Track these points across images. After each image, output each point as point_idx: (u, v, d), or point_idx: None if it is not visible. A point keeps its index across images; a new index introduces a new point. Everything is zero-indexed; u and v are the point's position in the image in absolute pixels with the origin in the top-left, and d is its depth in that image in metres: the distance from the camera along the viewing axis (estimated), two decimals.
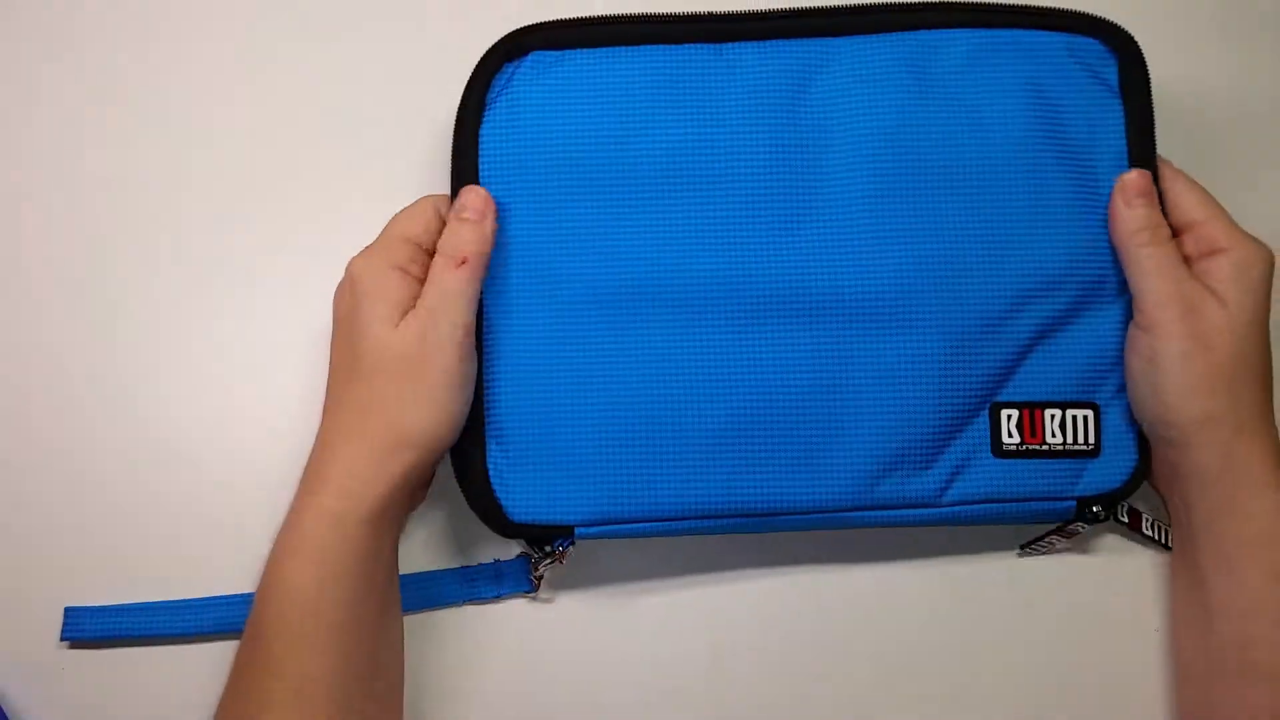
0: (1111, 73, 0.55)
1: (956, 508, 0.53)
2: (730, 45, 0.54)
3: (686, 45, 0.54)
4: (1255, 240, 0.53)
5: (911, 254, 0.53)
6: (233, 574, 0.56)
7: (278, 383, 0.58)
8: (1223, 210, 0.54)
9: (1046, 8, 0.55)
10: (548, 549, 0.53)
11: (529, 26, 0.54)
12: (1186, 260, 0.53)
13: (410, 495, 0.52)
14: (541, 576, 0.55)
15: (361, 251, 0.52)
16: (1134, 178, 0.53)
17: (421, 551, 0.57)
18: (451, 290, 0.51)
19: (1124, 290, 0.54)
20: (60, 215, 0.60)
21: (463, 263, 0.51)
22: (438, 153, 0.55)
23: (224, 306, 0.59)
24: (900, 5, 0.55)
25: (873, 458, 0.52)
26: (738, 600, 0.57)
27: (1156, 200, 0.53)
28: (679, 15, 0.54)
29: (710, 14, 0.54)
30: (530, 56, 0.53)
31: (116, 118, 0.61)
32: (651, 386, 0.52)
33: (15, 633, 0.56)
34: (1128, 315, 0.54)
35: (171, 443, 0.58)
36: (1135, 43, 0.55)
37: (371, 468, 0.49)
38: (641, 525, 0.52)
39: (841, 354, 0.53)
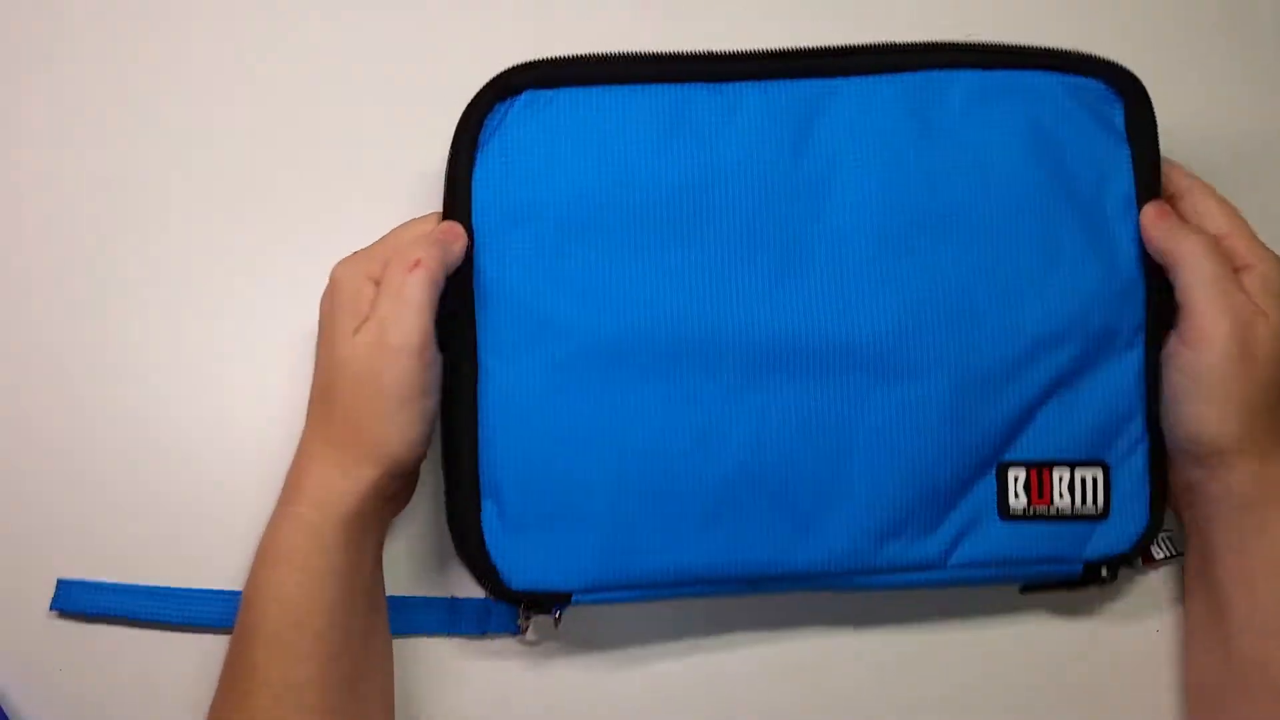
0: (1118, 115, 0.53)
1: (960, 570, 0.52)
2: (730, 85, 0.52)
3: (685, 84, 0.51)
4: (1275, 254, 0.51)
5: (915, 303, 0.51)
6: (230, 573, 0.56)
7: (277, 382, 0.57)
8: (1244, 221, 0.52)
9: (1051, 49, 0.53)
10: (544, 614, 0.52)
11: (521, 65, 0.51)
12: None
13: (389, 501, 0.51)
14: (530, 620, 0.54)
15: (348, 256, 0.51)
16: (1153, 206, 0.52)
17: (408, 561, 0.57)
18: (403, 297, 0.48)
19: (1136, 339, 0.52)
20: (60, 214, 0.60)
21: (415, 265, 0.49)
22: (439, 151, 0.54)
23: (224, 305, 0.59)
24: (904, 46, 0.53)
25: (877, 520, 0.51)
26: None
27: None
28: (677, 54, 0.52)
29: (709, 53, 0.52)
30: (523, 96, 0.51)
31: (116, 117, 0.60)
32: (649, 446, 0.50)
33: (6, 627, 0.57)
34: (1140, 367, 0.52)
35: (170, 441, 0.58)
36: (1141, 84, 0.53)
37: (342, 479, 0.48)
38: (639, 592, 0.51)
39: (845, 409, 0.51)
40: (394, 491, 0.51)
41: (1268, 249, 0.52)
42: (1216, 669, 0.52)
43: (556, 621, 0.52)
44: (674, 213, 0.51)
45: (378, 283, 0.50)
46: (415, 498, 0.55)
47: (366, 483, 0.49)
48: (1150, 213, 0.52)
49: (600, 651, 0.56)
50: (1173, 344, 0.51)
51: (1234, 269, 0.51)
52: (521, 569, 0.50)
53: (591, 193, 0.51)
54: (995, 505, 0.52)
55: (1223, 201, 0.53)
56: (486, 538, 0.50)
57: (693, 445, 0.50)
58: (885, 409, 0.51)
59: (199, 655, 0.55)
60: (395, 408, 0.48)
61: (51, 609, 0.56)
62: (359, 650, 0.49)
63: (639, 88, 0.51)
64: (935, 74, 0.52)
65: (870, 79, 0.52)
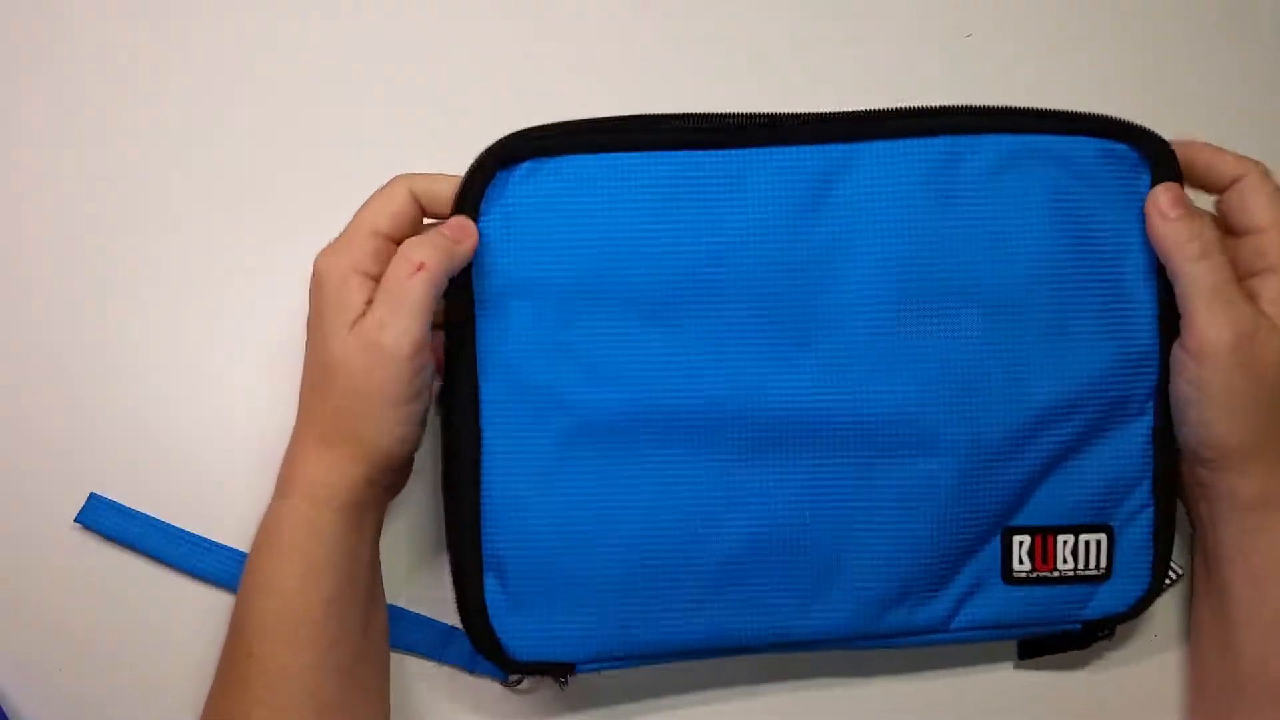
0: (1144, 182, 0.51)
1: (962, 633, 0.52)
2: (738, 151, 0.50)
3: (694, 151, 0.50)
4: None
5: (926, 379, 0.50)
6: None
7: (276, 382, 0.57)
8: None
9: (1077, 113, 0.51)
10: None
11: (524, 131, 0.50)
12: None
13: (385, 489, 0.51)
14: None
15: (328, 246, 0.50)
16: (1164, 190, 0.50)
17: (409, 569, 0.57)
18: (403, 300, 0.48)
19: (1146, 405, 0.52)
20: (60, 214, 0.59)
21: (419, 268, 0.48)
22: (439, 151, 0.53)
23: (224, 305, 0.59)
24: (926, 110, 0.51)
25: (881, 588, 0.51)
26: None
27: (1195, 211, 0.50)
28: (686, 117, 0.50)
29: (717, 115, 0.50)
30: (526, 164, 0.50)
31: (116, 117, 0.60)
32: (654, 519, 0.50)
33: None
34: (1149, 433, 0.52)
35: (170, 441, 0.58)
36: (1171, 151, 0.51)
37: (334, 474, 0.49)
38: (643, 660, 0.52)
39: (850, 484, 0.51)
40: (389, 481, 0.51)
41: None
42: (1219, 668, 0.53)
43: (562, 685, 0.52)
44: (679, 286, 0.50)
45: (365, 274, 0.49)
46: (420, 508, 0.55)
47: (358, 477, 0.49)
48: (1156, 204, 0.50)
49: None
50: (1177, 352, 0.51)
51: (1256, 271, 0.50)
52: (525, 642, 0.51)
53: (594, 265, 0.50)
54: (999, 569, 0.52)
55: (1275, 192, 0.50)
56: (490, 613, 0.50)
57: (697, 522, 0.50)
58: (891, 483, 0.50)
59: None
60: (384, 410, 0.48)
61: (76, 521, 0.57)
62: (356, 640, 0.49)
63: (643, 156, 0.50)
64: (958, 139, 0.50)
65: (892, 143, 0.50)
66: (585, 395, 0.50)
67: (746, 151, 0.50)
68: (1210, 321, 0.49)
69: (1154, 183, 0.51)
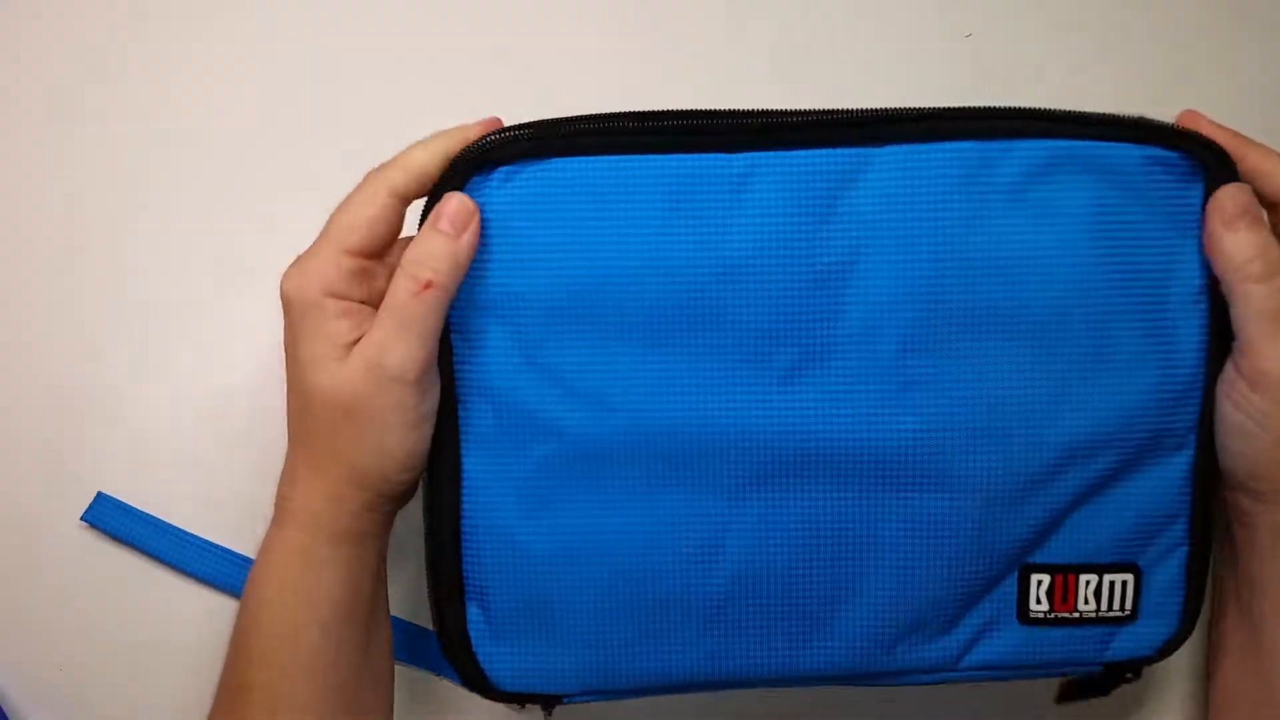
0: (1196, 195, 0.46)
1: (972, 672, 0.49)
2: (742, 155, 0.45)
3: (691, 154, 0.45)
4: None
5: (943, 410, 0.46)
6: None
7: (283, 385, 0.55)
8: None
9: (1122, 116, 0.46)
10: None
11: (502, 130, 0.45)
12: None
13: (387, 516, 0.49)
14: (523, 707, 0.52)
15: (294, 264, 0.46)
16: (1232, 193, 0.45)
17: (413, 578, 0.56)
18: (408, 320, 0.44)
19: (1187, 439, 0.47)
20: (65, 213, 0.59)
21: (427, 286, 0.44)
22: None
23: (231, 305, 0.59)
24: (951, 111, 0.45)
25: (888, 624, 0.48)
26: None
27: (1265, 222, 0.45)
28: (680, 114, 0.45)
29: (718, 113, 0.45)
30: (504, 167, 0.45)
31: (115, 118, 0.59)
32: (644, 550, 0.47)
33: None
34: (1189, 468, 0.48)
35: (171, 440, 0.58)
36: (1229, 159, 0.45)
37: (331, 503, 0.46)
38: (633, 694, 0.49)
39: (857, 519, 0.47)
40: (394, 505, 0.48)
41: None
42: (1252, 696, 0.50)
43: (548, 715, 0.50)
44: (675, 304, 0.45)
45: (339, 297, 0.45)
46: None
47: (357, 505, 0.46)
48: (1221, 210, 0.45)
49: None
50: (1230, 374, 0.46)
51: None
52: (510, 672, 0.48)
53: (582, 281, 0.45)
54: (1015, 608, 0.48)
55: None
56: (474, 642, 0.48)
57: (688, 558, 0.47)
58: (902, 520, 0.47)
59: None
60: (387, 437, 0.45)
61: (82, 520, 0.57)
62: (356, 660, 0.48)
63: (634, 159, 0.45)
64: (989, 144, 0.45)
65: (913, 147, 0.45)
66: (571, 420, 0.46)
67: (750, 155, 0.45)
68: (1271, 349, 0.44)
69: (1207, 195, 0.45)
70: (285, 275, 0.45)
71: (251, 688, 0.46)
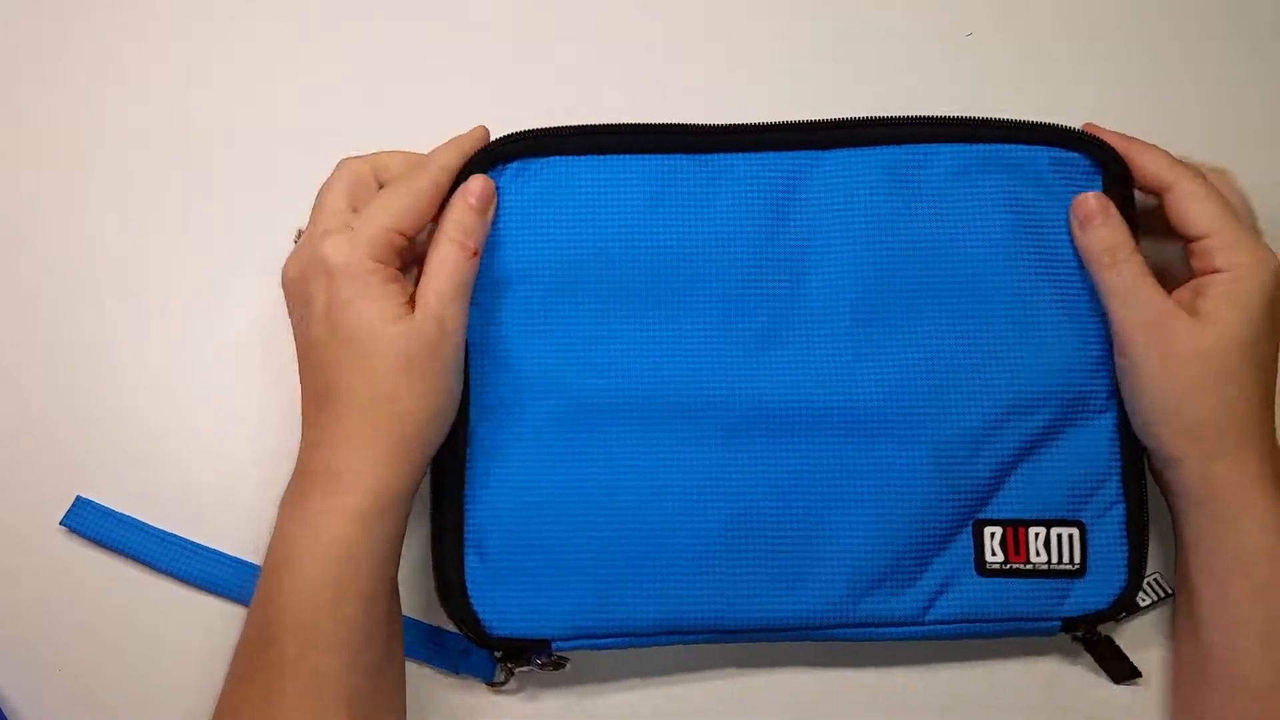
0: (1096, 188, 0.54)
1: (939, 626, 0.53)
2: (714, 156, 0.54)
3: (671, 155, 0.54)
4: (1259, 250, 0.51)
5: (894, 369, 0.53)
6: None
7: (265, 386, 0.59)
8: (1231, 219, 0.52)
9: (1032, 122, 0.54)
10: (525, 665, 0.54)
11: (511, 136, 0.54)
12: (1186, 274, 0.52)
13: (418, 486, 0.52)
14: (512, 673, 0.55)
15: (330, 243, 0.49)
16: (1086, 199, 0.53)
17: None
18: (462, 281, 0.51)
19: (1109, 403, 0.53)
20: (69, 212, 0.61)
21: (474, 255, 0.51)
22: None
23: (209, 305, 0.60)
24: (888, 119, 0.54)
25: (855, 574, 0.52)
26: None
27: (1116, 216, 0.53)
28: (663, 126, 0.54)
29: (695, 126, 0.54)
30: (513, 165, 0.53)
31: (110, 118, 0.62)
32: (633, 503, 0.52)
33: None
34: (1113, 430, 0.53)
35: (168, 441, 0.59)
36: (1120, 158, 0.54)
37: (386, 470, 0.49)
38: (619, 640, 0.53)
39: (825, 470, 0.52)
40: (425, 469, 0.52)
41: (1250, 244, 0.51)
42: (1190, 664, 0.53)
43: (540, 667, 0.53)
44: (658, 279, 0.53)
45: (384, 264, 0.50)
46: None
47: (408, 468, 0.50)
48: (1075, 214, 0.53)
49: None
50: (1115, 352, 0.53)
51: (1205, 272, 0.52)
52: (502, 617, 0.52)
53: (579, 258, 0.53)
54: (972, 561, 0.53)
55: (1209, 196, 0.52)
56: (469, 587, 0.52)
57: (676, 506, 0.52)
58: (863, 472, 0.52)
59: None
60: (453, 381, 0.51)
61: (61, 524, 0.57)
62: (385, 636, 0.50)
63: (626, 158, 0.53)
64: (919, 147, 0.54)
65: (852, 151, 0.54)
66: (568, 380, 0.53)
67: (722, 156, 0.54)
68: (1122, 319, 0.52)
69: (1105, 188, 0.54)
70: (331, 245, 0.49)
71: (286, 661, 0.47)
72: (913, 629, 0.53)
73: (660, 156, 0.54)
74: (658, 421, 0.52)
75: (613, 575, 0.52)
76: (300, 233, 0.53)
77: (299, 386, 0.52)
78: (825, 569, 0.52)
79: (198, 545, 0.58)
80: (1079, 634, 0.54)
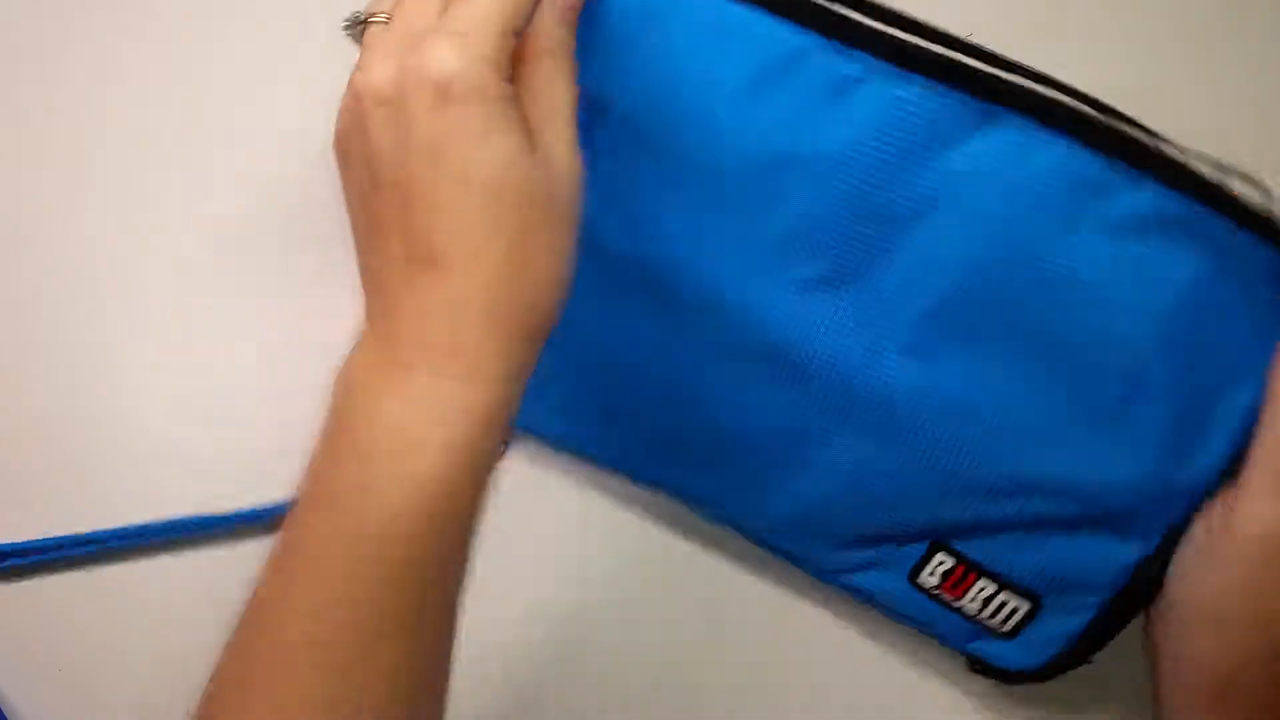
0: None
1: (851, 590, 0.51)
2: (858, 52, 0.42)
3: (805, 32, 0.42)
4: None
5: (936, 379, 0.45)
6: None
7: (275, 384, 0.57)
8: None
9: (1262, 212, 0.42)
10: None
11: None
12: None
13: None
14: None
15: (440, 49, 0.36)
16: None
17: None
18: (574, 112, 0.40)
19: (1153, 537, 0.46)
20: (74, 212, 0.59)
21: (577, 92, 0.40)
22: None
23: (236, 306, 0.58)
24: (1100, 103, 0.42)
25: (813, 518, 0.49)
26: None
27: None
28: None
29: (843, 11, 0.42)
30: None
31: (101, 116, 0.59)
32: (640, 360, 0.49)
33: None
34: (1138, 559, 0.46)
35: (169, 441, 0.57)
36: None
37: (508, 364, 0.38)
38: (561, 443, 0.53)
39: (820, 429, 0.47)
40: None
41: None
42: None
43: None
44: (729, 175, 0.44)
45: (507, 78, 0.38)
46: None
47: (527, 359, 0.39)
48: None
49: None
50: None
51: None
52: None
53: (661, 109, 0.44)
54: (908, 569, 0.50)
55: None
56: None
57: (670, 384, 0.49)
58: (853, 449, 0.47)
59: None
60: (572, 252, 0.40)
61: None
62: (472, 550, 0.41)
63: (751, 13, 0.42)
64: (1120, 173, 0.42)
65: (1033, 130, 0.42)
66: (607, 236, 0.46)
67: (869, 61, 0.42)
68: (1258, 496, 0.42)
69: None
70: (444, 53, 0.36)
71: (401, 578, 0.37)
72: (829, 576, 0.52)
73: (793, 29, 0.42)
74: (674, 309, 0.47)
75: (594, 401, 0.51)
76: (358, 21, 0.41)
77: (355, 263, 0.41)
78: (783, 500, 0.49)
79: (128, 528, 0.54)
80: (977, 668, 0.52)
